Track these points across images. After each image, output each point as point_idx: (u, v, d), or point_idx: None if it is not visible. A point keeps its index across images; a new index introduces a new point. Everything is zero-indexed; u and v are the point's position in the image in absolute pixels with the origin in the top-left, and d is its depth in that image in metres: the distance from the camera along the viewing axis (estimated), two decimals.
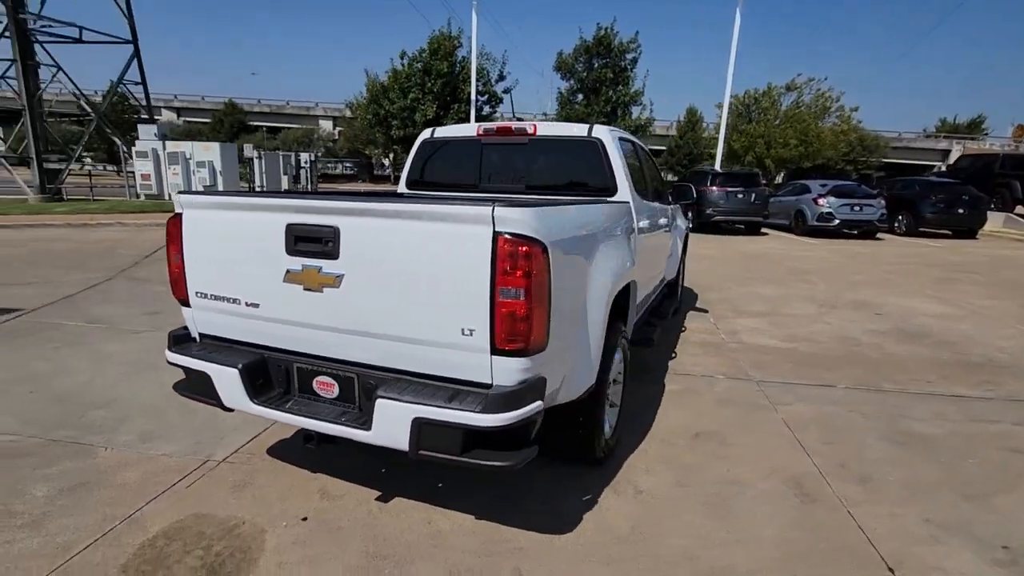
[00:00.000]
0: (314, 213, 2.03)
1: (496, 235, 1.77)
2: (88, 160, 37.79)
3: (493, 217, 1.77)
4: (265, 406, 2.18)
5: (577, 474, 2.76)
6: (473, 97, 19.00)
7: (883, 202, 14.14)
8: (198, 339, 2.46)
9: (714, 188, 13.99)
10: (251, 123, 46.19)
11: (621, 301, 3.11)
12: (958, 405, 3.72)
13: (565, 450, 2.78)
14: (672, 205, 5.07)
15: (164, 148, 17.61)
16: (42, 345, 4.44)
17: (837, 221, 13.88)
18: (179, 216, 2.32)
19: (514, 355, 1.85)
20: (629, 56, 20.37)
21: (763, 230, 15.48)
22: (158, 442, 2.98)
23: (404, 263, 1.92)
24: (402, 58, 19.74)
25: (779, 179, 28.16)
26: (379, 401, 1.91)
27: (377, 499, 2.54)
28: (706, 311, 6.18)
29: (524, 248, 1.78)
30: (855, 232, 14.44)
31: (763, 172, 26.75)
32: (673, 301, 5.22)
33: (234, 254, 2.23)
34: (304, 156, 22.13)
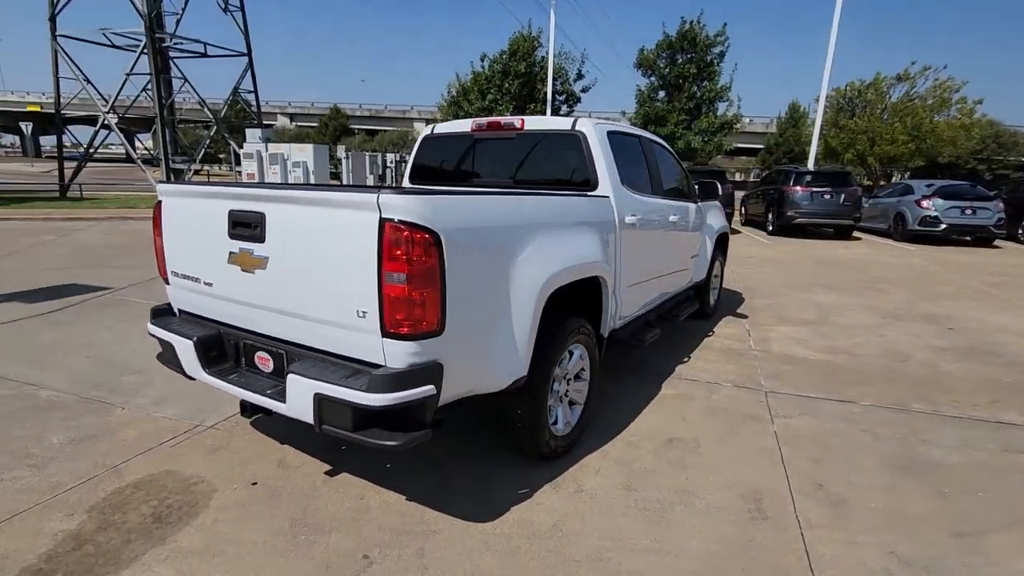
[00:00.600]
0: (247, 200, 2.21)
1: (383, 221, 1.84)
2: (222, 159, 42.33)
3: (379, 204, 1.84)
4: (214, 376, 2.40)
5: (525, 466, 2.75)
6: (549, 97, 19.04)
7: (1001, 205, 12.39)
8: (177, 314, 2.75)
9: (797, 188, 13.00)
10: (352, 126, 49.40)
11: (591, 297, 3.06)
12: (997, 433, 3.24)
13: (510, 442, 2.78)
14: (697, 204, 4.84)
15: (267, 150, 19.30)
16: (113, 318, 5.11)
17: (944, 226, 12.35)
18: (159, 203, 2.61)
19: (403, 338, 1.91)
20: (716, 50, 19.36)
21: (856, 235, 14.16)
22: (165, 406, 3.35)
23: (313, 247, 2.04)
24: (482, 60, 20.23)
25: (897, 179, 25.48)
26: (289, 376, 2.05)
27: (326, 472, 2.70)
28: (745, 316, 5.80)
29: (411, 235, 1.84)
30: (967, 239, 12.80)
31: (866, 171, 24.41)
32: (695, 304, 4.96)
33: (195, 237, 2.47)
34: (390, 156, 23.35)
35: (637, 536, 2.27)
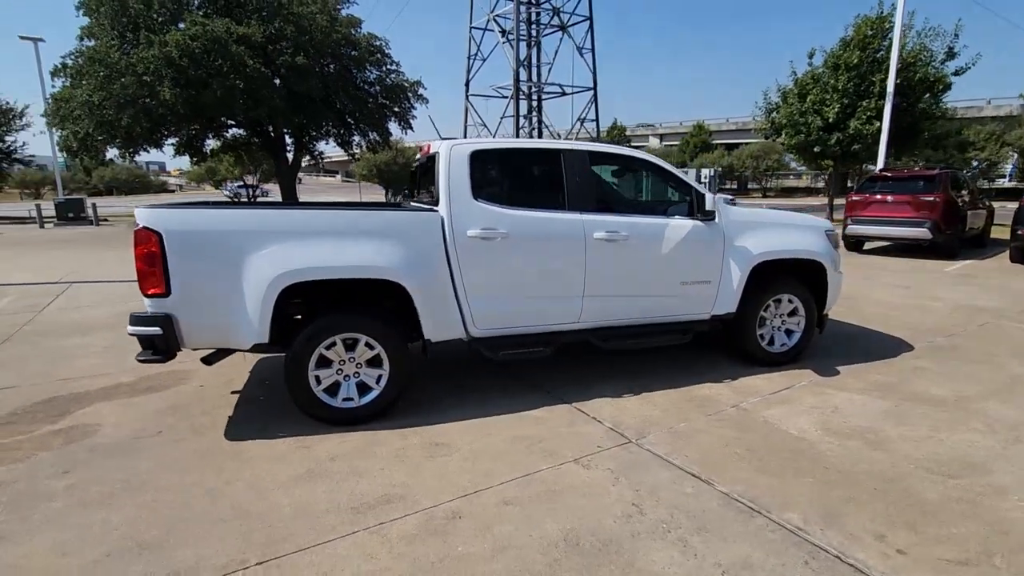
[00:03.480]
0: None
1: (135, 224, 3.10)
2: None
3: (135, 215, 3.10)
4: None
5: (319, 427, 3.47)
6: (890, 89, 15.16)
7: None
8: None
9: None
10: (715, 141, 48.74)
11: (403, 301, 3.47)
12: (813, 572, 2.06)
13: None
14: (704, 221, 4.10)
15: None
16: None
17: None
18: None
19: (147, 296, 3.12)
20: None
21: None
22: None
23: None
24: (810, 57, 17.50)
25: None
26: None
27: (232, 391, 4.08)
28: (832, 375, 4.28)
29: (140, 232, 3.04)
30: None
31: None
32: (678, 337, 4.13)
33: None
34: (705, 171, 22.73)
35: (237, 480, 2.83)
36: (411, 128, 29.67)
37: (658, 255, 4.01)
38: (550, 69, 29.37)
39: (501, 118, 27.75)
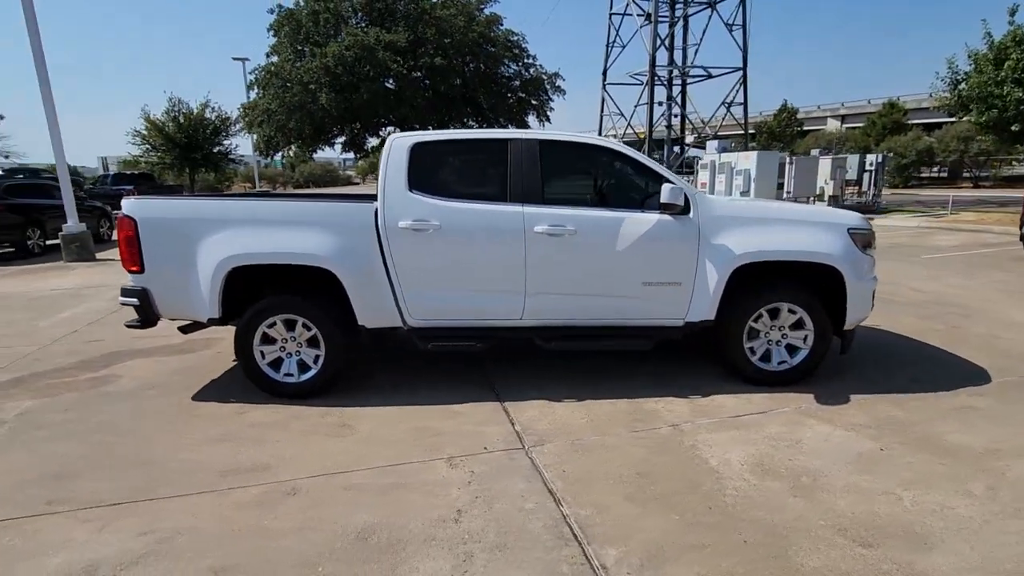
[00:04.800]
0: None
1: (120, 211, 3.72)
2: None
3: (120, 204, 3.72)
4: None
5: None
6: None
7: None
8: None
9: None
10: (910, 121, 41.15)
11: (336, 287, 3.67)
12: None
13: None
14: (672, 216, 3.66)
15: (719, 160, 20.17)
16: None
17: None
18: None
19: (129, 272, 3.73)
20: None
21: None
22: None
23: None
24: (1012, 15, 13.80)
25: None
26: None
27: (233, 360, 4.67)
28: (838, 403, 3.53)
29: (122, 219, 3.64)
30: None
31: None
32: (638, 343, 3.71)
33: None
34: (871, 158, 19.38)
35: (170, 436, 3.25)
36: (548, 120, 29.93)
37: (612, 252, 3.66)
38: (696, 50, 27.44)
39: (635, 106, 26.70)
